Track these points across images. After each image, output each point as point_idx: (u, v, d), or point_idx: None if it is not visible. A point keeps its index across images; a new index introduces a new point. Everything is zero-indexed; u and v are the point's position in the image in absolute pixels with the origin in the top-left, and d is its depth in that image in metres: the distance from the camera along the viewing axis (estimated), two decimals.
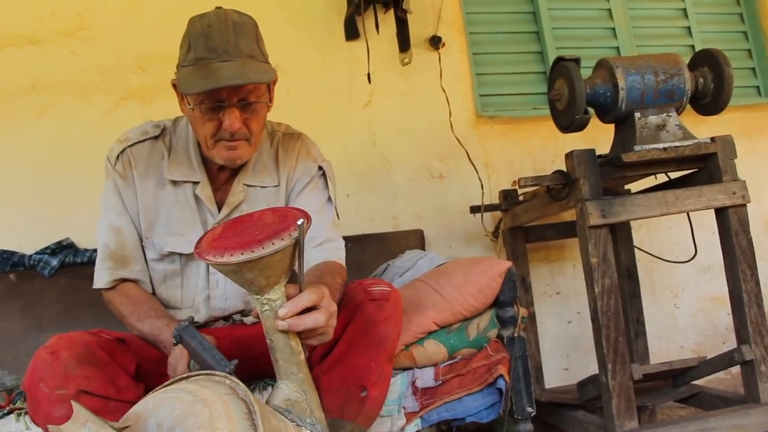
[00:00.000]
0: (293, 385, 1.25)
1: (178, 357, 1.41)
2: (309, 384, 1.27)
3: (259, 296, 1.19)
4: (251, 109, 1.59)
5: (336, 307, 1.29)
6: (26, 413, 1.57)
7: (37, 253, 2.48)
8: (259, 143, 1.71)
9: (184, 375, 1.20)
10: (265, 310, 1.20)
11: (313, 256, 1.68)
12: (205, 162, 1.74)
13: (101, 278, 1.69)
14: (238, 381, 1.12)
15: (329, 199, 1.80)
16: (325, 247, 1.70)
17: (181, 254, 1.72)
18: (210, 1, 2.74)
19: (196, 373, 1.20)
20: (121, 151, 1.72)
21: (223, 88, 1.51)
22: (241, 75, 1.50)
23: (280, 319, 1.19)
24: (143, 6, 2.82)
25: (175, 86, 1.66)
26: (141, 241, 1.73)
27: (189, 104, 1.57)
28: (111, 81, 2.74)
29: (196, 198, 1.73)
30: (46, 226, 2.56)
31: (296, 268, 1.22)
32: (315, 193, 1.79)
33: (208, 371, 1.19)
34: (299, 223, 1.15)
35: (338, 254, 1.71)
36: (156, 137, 1.76)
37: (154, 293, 1.75)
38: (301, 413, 1.25)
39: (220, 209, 1.74)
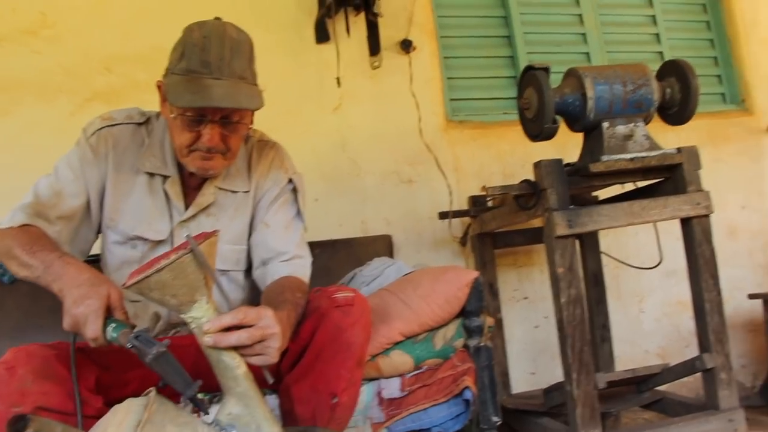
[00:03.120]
0: (234, 399, 1.26)
1: (91, 315, 1.25)
2: (252, 398, 1.27)
3: (183, 315, 1.23)
4: (232, 128, 1.59)
5: (279, 328, 1.28)
6: None
7: None
8: (235, 158, 1.70)
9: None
10: (193, 328, 1.24)
11: (278, 270, 1.69)
12: (178, 159, 1.72)
13: (13, 218, 1.53)
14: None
15: (298, 213, 1.80)
16: (291, 263, 1.70)
17: (145, 240, 1.69)
18: (178, 2, 2.76)
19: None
20: (101, 128, 1.69)
21: None
22: (231, 98, 1.51)
23: (204, 335, 1.21)
24: (109, 5, 2.77)
25: (159, 87, 1.63)
26: (83, 221, 1.66)
27: (172, 113, 1.55)
28: (75, 82, 2.68)
29: (165, 192, 1.71)
30: None
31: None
32: (284, 209, 1.78)
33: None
34: (185, 237, 1.19)
35: (303, 271, 1.71)
36: (140, 124, 1.74)
37: None
38: (246, 428, 1.26)
39: (188, 208, 1.72)
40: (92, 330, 1.25)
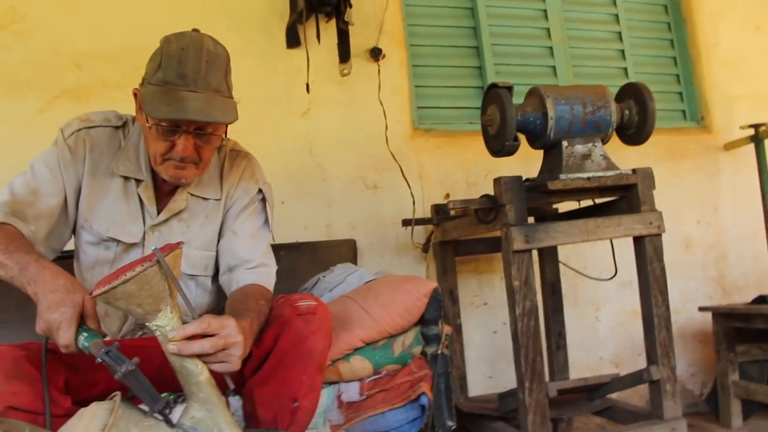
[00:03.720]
0: (196, 404, 1.31)
1: (64, 322, 1.29)
2: (214, 403, 1.32)
3: (148, 323, 1.28)
4: (205, 139, 1.63)
5: (241, 338, 1.34)
6: None
7: None
8: (207, 167, 1.74)
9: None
10: (158, 335, 1.28)
11: (243, 278, 1.74)
12: (151, 165, 1.75)
13: None
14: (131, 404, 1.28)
15: (266, 222, 1.85)
16: (256, 271, 1.75)
17: (119, 242, 1.73)
18: (150, 2, 2.77)
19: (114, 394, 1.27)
20: (79, 129, 1.72)
21: None
22: (205, 111, 1.55)
23: (169, 343, 1.26)
24: (81, 1, 2.76)
25: (136, 95, 1.67)
26: (69, 220, 1.70)
27: (147, 122, 1.59)
28: (45, 78, 2.67)
29: (139, 196, 1.75)
30: None
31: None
32: (252, 218, 1.83)
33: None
34: (153, 249, 1.24)
35: (268, 279, 1.76)
36: (117, 127, 1.77)
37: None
38: (208, 431, 1.31)
39: (160, 212, 1.76)
40: (65, 337, 1.29)
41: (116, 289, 1.20)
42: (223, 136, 1.70)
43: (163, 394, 1.30)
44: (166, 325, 1.27)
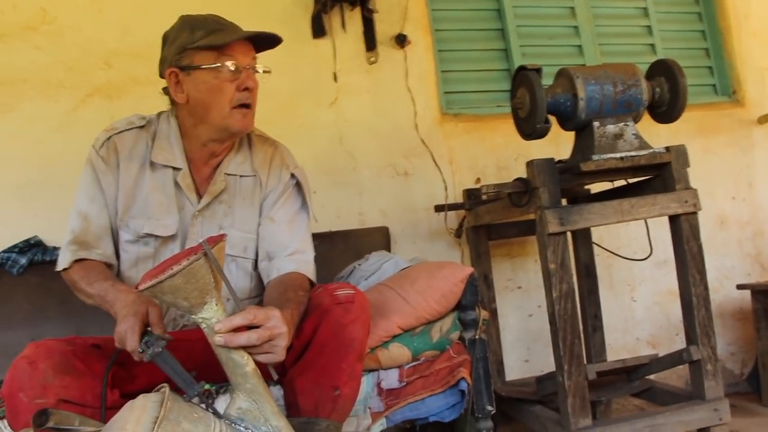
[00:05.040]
0: (243, 395, 1.33)
1: (128, 330, 1.39)
2: (260, 394, 1.33)
3: (193, 316, 1.30)
4: (257, 78, 1.74)
5: (286, 328, 1.36)
6: (2, 418, 1.61)
7: (4, 251, 2.47)
8: (254, 119, 1.82)
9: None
10: (204, 327, 1.30)
11: (282, 266, 1.77)
12: (187, 153, 1.80)
13: (64, 259, 1.70)
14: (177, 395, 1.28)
15: (303, 206, 1.89)
16: (294, 258, 1.78)
17: (156, 237, 1.76)
18: None
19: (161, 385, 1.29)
20: (107, 139, 1.78)
21: (238, 51, 1.68)
22: (256, 31, 1.70)
23: (215, 335, 1.28)
24: (108, 0, 2.80)
25: (172, 74, 1.73)
26: (112, 227, 1.76)
27: (209, 64, 1.67)
28: (76, 77, 2.72)
29: (177, 185, 1.78)
30: (14, 224, 2.56)
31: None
32: (288, 203, 1.86)
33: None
34: (200, 241, 1.27)
35: (306, 267, 1.79)
36: (141, 127, 1.82)
37: (119, 275, 1.79)
38: (255, 421, 1.33)
39: (200, 199, 1.79)
40: (130, 344, 1.37)
41: (163, 284, 1.22)
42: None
43: (206, 385, 1.33)
44: (211, 317, 1.29)
